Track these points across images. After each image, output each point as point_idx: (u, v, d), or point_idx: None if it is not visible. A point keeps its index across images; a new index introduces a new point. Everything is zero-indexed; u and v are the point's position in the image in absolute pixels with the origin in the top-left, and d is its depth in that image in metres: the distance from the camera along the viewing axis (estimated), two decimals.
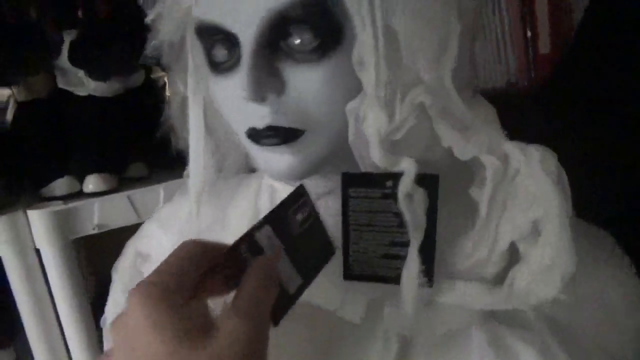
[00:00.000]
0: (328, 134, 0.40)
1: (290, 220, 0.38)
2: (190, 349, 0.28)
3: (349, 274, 0.41)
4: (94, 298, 1.10)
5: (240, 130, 0.42)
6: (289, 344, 0.39)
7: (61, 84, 0.78)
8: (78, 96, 0.79)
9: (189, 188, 0.49)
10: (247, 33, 0.37)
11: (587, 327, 0.40)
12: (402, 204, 0.36)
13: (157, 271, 0.32)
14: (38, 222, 0.74)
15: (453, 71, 0.36)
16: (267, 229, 0.36)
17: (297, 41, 0.37)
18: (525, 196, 0.37)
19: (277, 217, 0.37)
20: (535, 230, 0.37)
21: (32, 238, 0.75)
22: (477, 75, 0.50)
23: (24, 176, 0.80)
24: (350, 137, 0.38)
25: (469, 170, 0.39)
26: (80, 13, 0.77)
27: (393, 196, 0.37)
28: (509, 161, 0.37)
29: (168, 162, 0.91)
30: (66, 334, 0.78)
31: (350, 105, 0.37)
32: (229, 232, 0.50)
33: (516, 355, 0.37)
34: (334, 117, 0.39)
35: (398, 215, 0.37)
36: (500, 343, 0.37)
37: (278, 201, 0.47)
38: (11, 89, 0.76)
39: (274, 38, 0.37)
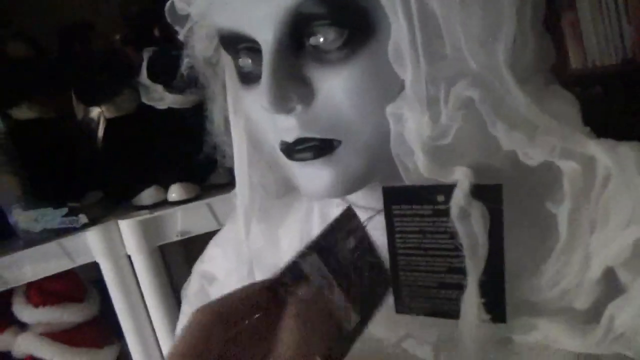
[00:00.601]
0: (367, 143, 0.35)
1: (339, 246, 0.33)
2: None
3: (402, 308, 0.36)
4: None
5: (274, 144, 0.38)
6: None
7: (144, 100, 0.83)
8: (160, 110, 0.83)
9: (237, 208, 0.48)
10: (266, 36, 0.34)
11: None
12: (456, 222, 0.31)
13: None
14: (128, 230, 0.79)
15: (511, 57, 0.30)
16: (314, 258, 0.32)
17: (321, 40, 0.33)
18: (621, 210, 0.30)
19: (325, 244, 0.32)
20: (638, 253, 0.30)
21: (124, 245, 0.80)
22: (566, 56, 0.41)
23: (117, 188, 0.87)
24: (393, 144, 0.33)
25: (544, 179, 0.32)
26: (156, 32, 0.81)
27: (447, 213, 0.31)
28: (595, 166, 0.30)
29: None
30: (156, 330, 0.83)
31: (391, 108, 0.33)
32: (282, 254, 0.48)
33: None
34: (371, 122, 0.34)
35: (453, 236, 0.32)
36: None
37: (329, 217, 0.44)
38: (101, 108, 0.82)
39: (296, 39, 0.33)
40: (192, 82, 0.82)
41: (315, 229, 0.47)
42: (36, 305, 0.83)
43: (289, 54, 0.34)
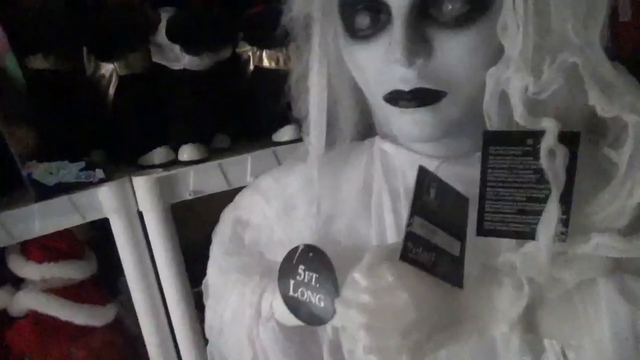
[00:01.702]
0: (466, 98, 0.43)
1: (427, 201, 0.42)
2: None
3: (482, 230, 0.43)
4: None
5: (377, 94, 0.45)
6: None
7: (156, 59, 0.84)
8: (173, 70, 0.84)
9: (310, 153, 0.53)
10: (400, 1, 0.40)
11: None
12: (544, 160, 0.39)
13: None
14: (142, 187, 0.80)
15: (602, 35, 0.38)
16: (417, 220, 0.41)
17: (449, 7, 0.40)
18: None
19: (419, 206, 0.41)
20: None
21: (137, 202, 0.81)
22: None
23: (124, 147, 0.87)
24: (486, 100, 0.41)
25: (599, 130, 0.41)
26: None
27: (533, 153, 0.39)
28: None
29: (250, 134, 0.96)
30: (164, 288, 0.85)
31: (492, 70, 0.40)
32: (341, 198, 0.55)
33: None
34: (474, 81, 0.42)
35: (536, 171, 0.40)
36: (629, 288, 0.39)
37: (390, 164, 0.51)
38: (114, 64, 0.82)
39: (426, 5, 0.40)
40: (210, 45, 0.85)
41: (378, 174, 0.53)
42: (38, 262, 0.82)
43: (418, 15, 0.41)
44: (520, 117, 0.39)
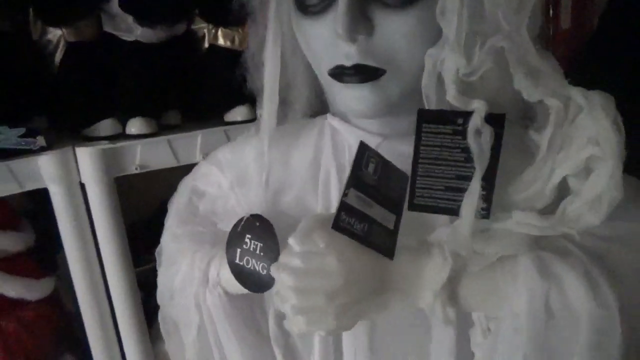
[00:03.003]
0: (405, 77, 0.45)
1: (364, 175, 0.44)
2: None
3: (414, 205, 0.46)
4: None
5: (324, 69, 0.47)
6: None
7: (108, 28, 0.81)
8: (124, 41, 0.82)
9: (261, 126, 0.54)
10: None
11: (622, 260, 0.44)
12: (471, 139, 0.41)
13: None
14: (85, 158, 0.78)
15: (528, 22, 0.41)
16: (353, 192, 0.43)
17: None
18: (581, 136, 0.42)
19: (355, 179, 0.43)
20: (587, 167, 0.42)
21: (79, 173, 0.79)
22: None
23: (69, 116, 0.84)
24: (424, 80, 0.43)
25: (529, 115, 0.44)
26: None
27: (463, 133, 0.42)
28: (570, 104, 0.42)
29: (202, 112, 0.95)
30: (104, 263, 0.83)
31: (431, 51, 0.42)
32: (291, 171, 0.57)
33: (559, 277, 0.41)
34: (413, 61, 0.44)
35: (465, 150, 0.42)
36: (545, 265, 0.42)
37: (338, 141, 0.53)
38: (62, 30, 0.79)
39: None
40: (165, 18, 0.83)
41: (327, 151, 0.55)
42: None
43: None
44: (452, 98, 0.42)
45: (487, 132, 0.41)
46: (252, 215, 0.55)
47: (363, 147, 0.45)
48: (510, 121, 0.43)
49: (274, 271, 0.45)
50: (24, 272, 0.83)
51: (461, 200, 0.43)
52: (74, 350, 0.91)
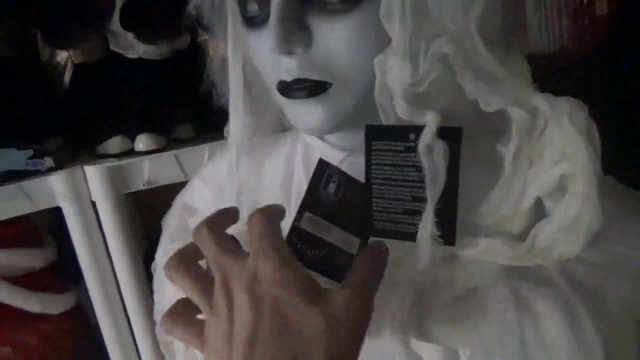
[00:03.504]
0: (355, 88, 0.40)
1: (323, 195, 0.40)
2: (310, 303, 0.32)
3: (372, 230, 0.42)
4: (146, 251, 1.17)
5: (272, 84, 0.43)
6: None
7: (113, 47, 0.82)
8: (129, 59, 0.83)
9: (229, 143, 0.52)
10: None
11: (611, 291, 0.38)
12: (423, 157, 0.37)
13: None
14: (94, 176, 0.79)
15: (480, 22, 0.36)
16: (307, 215, 0.39)
17: None
18: (553, 151, 0.37)
19: (311, 201, 0.40)
20: (562, 186, 0.37)
21: (89, 191, 0.81)
22: (521, 34, 0.48)
23: (81, 135, 0.86)
24: (377, 91, 0.39)
25: (496, 125, 0.39)
26: None
27: (416, 149, 0.37)
28: (537, 114, 0.37)
29: (214, 124, 0.95)
30: (119, 278, 0.85)
31: (378, 58, 0.38)
32: (264, 187, 0.54)
33: (536, 311, 0.36)
34: (361, 70, 0.39)
35: (419, 169, 0.38)
36: (521, 298, 0.37)
37: (310, 155, 0.49)
38: (68, 51, 0.81)
39: None
40: (165, 33, 0.83)
41: (298, 165, 0.52)
42: None
43: (296, 2, 0.38)
44: (402, 110, 0.37)
45: (440, 148, 0.36)
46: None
47: (323, 166, 0.41)
48: (473, 134, 0.38)
49: None
50: (45, 287, 0.86)
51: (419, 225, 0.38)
52: None
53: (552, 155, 0.36)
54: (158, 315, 0.65)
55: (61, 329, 0.87)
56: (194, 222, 0.61)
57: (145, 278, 0.87)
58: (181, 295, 0.57)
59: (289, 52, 0.39)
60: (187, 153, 0.85)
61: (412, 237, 0.39)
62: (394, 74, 0.37)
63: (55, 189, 0.79)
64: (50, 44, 0.80)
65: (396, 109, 0.37)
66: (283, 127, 0.56)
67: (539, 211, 0.39)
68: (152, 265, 0.67)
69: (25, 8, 0.77)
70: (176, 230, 0.63)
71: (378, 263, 0.37)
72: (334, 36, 0.38)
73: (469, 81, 0.36)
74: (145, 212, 1.22)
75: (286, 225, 0.51)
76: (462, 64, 0.36)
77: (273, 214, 0.37)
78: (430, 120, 0.36)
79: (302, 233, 0.39)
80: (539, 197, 0.38)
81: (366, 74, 0.39)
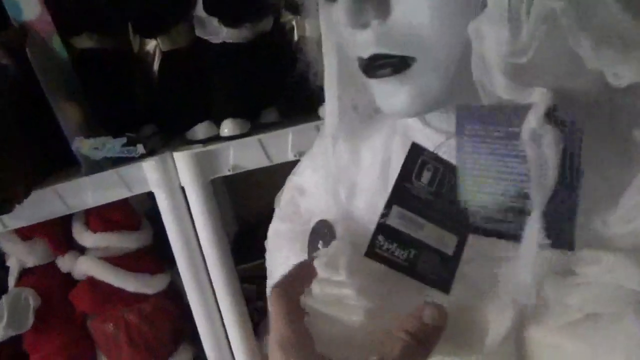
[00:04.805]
0: (443, 63, 0.34)
1: (415, 187, 0.36)
2: None
3: (469, 227, 0.36)
4: (235, 233, 1.20)
5: (354, 62, 0.39)
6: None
7: (199, 33, 0.83)
8: (214, 44, 0.83)
9: (325, 126, 0.49)
10: None
11: None
12: (527, 146, 0.30)
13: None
14: (182, 162, 0.81)
15: None
16: (397, 210, 0.35)
17: None
18: None
19: (401, 192, 0.35)
20: None
21: (178, 177, 0.83)
22: None
23: (171, 122, 0.88)
24: (474, 64, 0.32)
25: (632, 104, 0.31)
26: None
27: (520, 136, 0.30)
28: None
29: (299, 108, 0.93)
30: (207, 261, 0.86)
31: (473, 24, 0.31)
32: (362, 173, 0.50)
33: None
34: (448, 40, 0.33)
35: (526, 160, 0.31)
36: None
37: (410, 136, 0.45)
38: (156, 40, 0.83)
39: None
40: (248, 16, 0.82)
41: (396, 149, 0.47)
42: (95, 231, 0.88)
43: None
44: (501, 88, 0.30)
45: (550, 136, 0.29)
46: (320, 221, 0.50)
47: (415, 151, 0.36)
48: (596, 117, 0.31)
49: (306, 291, 0.39)
50: (142, 267, 0.91)
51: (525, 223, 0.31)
52: (192, 341, 0.97)
53: None
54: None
55: (159, 308, 0.92)
56: (305, 204, 0.60)
57: (232, 260, 0.88)
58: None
59: (363, 25, 0.34)
60: (270, 137, 0.84)
61: (516, 238, 0.33)
62: (490, 43, 0.30)
63: (147, 174, 0.82)
64: (141, 33, 0.83)
65: (495, 87, 0.31)
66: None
67: None
68: (267, 240, 0.66)
69: (115, 2, 0.79)
70: (286, 210, 0.62)
71: (423, 341, 0.32)
72: (415, 2, 0.33)
73: (587, 45, 0.28)
74: (237, 194, 1.26)
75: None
76: (575, 22, 0.28)
77: (287, 286, 0.36)
78: (538, 100, 0.29)
79: (390, 231, 0.35)
80: None
81: (456, 46, 0.33)
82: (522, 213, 0.32)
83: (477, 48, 0.32)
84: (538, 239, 0.30)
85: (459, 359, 0.35)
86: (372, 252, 0.35)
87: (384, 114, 0.51)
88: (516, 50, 0.29)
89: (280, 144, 0.84)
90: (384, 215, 0.35)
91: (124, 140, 0.78)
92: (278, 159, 0.85)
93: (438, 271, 0.36)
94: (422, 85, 0.35)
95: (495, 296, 0.35)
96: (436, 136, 0.41)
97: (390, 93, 0.37)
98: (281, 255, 0.59)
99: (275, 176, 0.80)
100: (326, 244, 0.49)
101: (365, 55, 0.36)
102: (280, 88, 0.91)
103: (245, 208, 1.24)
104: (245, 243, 1.11)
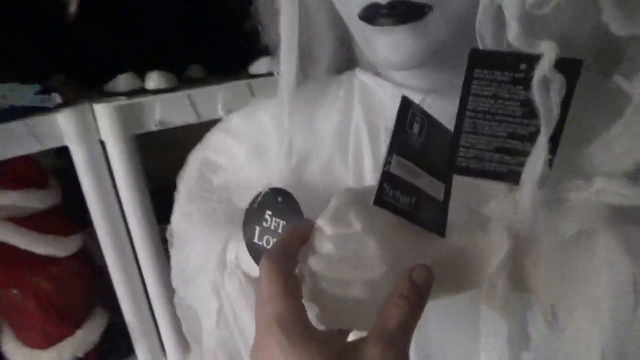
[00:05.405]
0: (456, 14, 0.36)
1: (409, 137, 0.36)
2: None
3: (454, 167, 0.37)
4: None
5: (353, 11, 0.38)
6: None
7: None
8: None
9: (280, 86, 0.47)
10: None
11: None
12: (536, 91, 0.32)
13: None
14: (104, 115, 0.76)
15: None
16: (397, 159, 0.35)
17: None
18: None
19: (399, 142, 0.36)
20: None
21: (98, 131, 0.77)
22: None
23: (87, 71, 0.81)
24: (480, 16, 0.34)
25: (617, 59, 0.35)
26: None
27: (524, 82, 0.33)
28: None
29: (226, 66, 0.90)
30: (128, 222, 0.82)
31: None
32: (316, 137, 0.49)
33: None
34: None
35: (525, 104, 0.34)
36: (631, 241, 0.34)
37: (370, 99, 0.46)
38: None
39: None
40: None
41: (356, 111, 0.48)
42: None
43: None
44: (514, 38, 0.32)
45: (558, 83, 0.31)
46: (271, 189, 0.48)
47: (406, 104, 0.36)
48: (591, 65, 0.34)
49: (301, 258, 0.37)
50: (52, 229, 0.84)
51: (513, 164, 0.34)
52: (106, 305, 0.92)
53: None
54: (176, 281, 0.61)
55: (69, 270, 0.86)
56: (217, 179, 0.57)
57: (155, 220, 0.85)
58: (210, 258, 0.53)
59: None
60: (200, 94, 0.81)
61: (500, 176, 0.36)
62: None
63: (62, 127, 0.75)
64: None
65: (508, 36, 0.33)
66: (335, 71, 0.51)
67: None
68: (168, 229, 0.61)
69: None
70: (196, 188, 0.57)
71: (416, 303, 0.33)
72: None
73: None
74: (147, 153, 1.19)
75: (346, 177, 0.47)
76: None
77: (280, 256, 0.34)
78: (548, 50, 0.31)
79: (393, 178, 0.35)
80: None
81: None
82: (511, 152, 0.35)
83: (486, 1, 0.33)
84: (543, 169, 0.33)
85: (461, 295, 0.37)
86: (381, 200, 0.35)
87: (333, 77, 0.51)
88: (538, 2, 0.32)
89: (210, 100, 0.82)
90: (387, 163, 0.35)
91: (36, 87, 0.71)
92: (207, 116, 0.82)
93: (434, 216, 0.38)
94: (430, 37, 0.37)
95: (488, 231, 0.37)
96: (407, 93, 0.41)
97: (394, 44, 0.38)
98: (199, 235, 0.54)
99: (184, 137, 0.78)
100: (275, 213, 0.47)
101: (383, 1, 0.36)
102: (208, 44, 0.88)
103: (156, 168, 1.18)
104: (161, 204, 1.06)
